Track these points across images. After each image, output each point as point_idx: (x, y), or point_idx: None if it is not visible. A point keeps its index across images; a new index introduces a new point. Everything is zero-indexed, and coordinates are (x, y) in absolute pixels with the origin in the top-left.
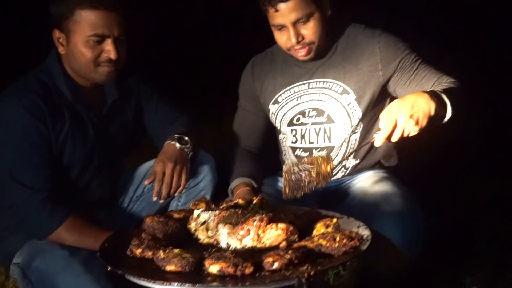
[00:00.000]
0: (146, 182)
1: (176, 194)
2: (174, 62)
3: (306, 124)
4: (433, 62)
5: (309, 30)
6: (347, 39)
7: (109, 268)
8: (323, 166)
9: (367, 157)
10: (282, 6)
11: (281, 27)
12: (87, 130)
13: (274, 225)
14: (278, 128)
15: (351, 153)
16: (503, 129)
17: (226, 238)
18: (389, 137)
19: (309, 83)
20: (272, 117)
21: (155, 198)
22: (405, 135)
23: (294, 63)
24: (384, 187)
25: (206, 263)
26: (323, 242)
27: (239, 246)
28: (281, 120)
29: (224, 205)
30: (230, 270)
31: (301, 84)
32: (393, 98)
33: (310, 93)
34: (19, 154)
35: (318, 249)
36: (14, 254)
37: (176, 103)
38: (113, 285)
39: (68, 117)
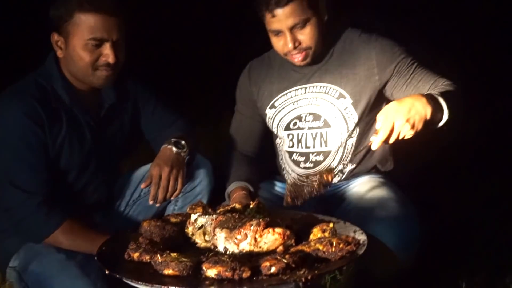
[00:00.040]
0: (142, 186)
1: (172, 198)
2: (171, 65)
3: (302, 128)
4: (431, 64)
5: (306, 36)
6: (344, 44)
7: (107, 272)
8: (324, 176)
9: (363, 162)
10: (279, 11)
11: (278, 33)
12: (84, 134)
13: (271, 230)
14: (275, 132)
15: (351, 159)
16: (501, 130)
17: (223, 242)
18: (385, 140)
19: (305, 87)
20: (268, 122)
21: (151, 202)
22: (401, 137)
23: (291, 67)
24: (380, 192)
25: (204, 267)
26: (320, 247)
27: (236, 250)
28: (277, 124)
29: (221, 209)
30: (228, 274)
31: (297, 89)
32: (390, 101)
33: (307, 98)
34: (16, 157)
35: (315, 254)
36: (10, 257)
37: (174, 106)
38: None
39: (66, 121)
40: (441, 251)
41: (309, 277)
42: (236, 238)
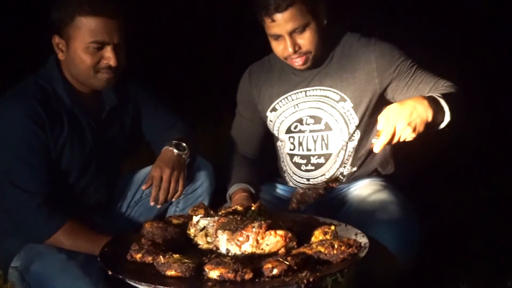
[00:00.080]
0: (143, 187)
1: (173, 199)
2: (171, 67)
3: (303, 131)
4: (431, 65)
5: (306, 40)
6: (343, 48)
7: (110, 273)
8: (329, 184)
9: (364, 165)
10: (278, 16)
11: (278, 37)
12: (85, 135)
13: (273, 232)
14: (276, 135)
15: (353, 162)
16: (501, 131)
17: (226, 244)
18: (387, 143)
19: (306, 91)
20: (269, 125)
21: (152, 203)
22: (401, 140)
23: (291, 71)
24: (381, 196)
25: (206, 268)
26: (322, 249)
27: (238, 252)
28: (278, 127)
29: (223, 211)
30: (230, 275)
31: (298, 92)
32: (391, 103)
33: (308, 101)
34: (17, 158)
35: (316, 256)
36: (12, 257)
37: (174, 108)
38: None
39: (67, 122)
40: (442, 253)
41: (310, 279)
42: (238, 240)
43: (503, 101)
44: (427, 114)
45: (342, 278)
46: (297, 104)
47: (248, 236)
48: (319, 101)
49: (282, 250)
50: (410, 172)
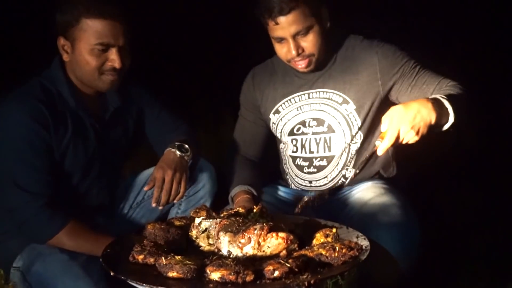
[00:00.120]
0: (145, 188)
1: (175, 201)
2: (173, 69)
3: (306, 133)
4: (434, 66)
5: (309, 43)
6: (346, 50)
7: (112, 274)
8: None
9: (366, 167)
10: (282, 19)
11: (281, 40)
12: (89, 137)
13: (274, 234)
14: (279, 137)
15: (356, 164)
16: (503, 135)
17: (227, 246)
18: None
19: (309, 93)
20: (272, 127)
21: (154, 205)
22: (404, 142)
23: (294, 73)
24: (383, 199)
25: (208, 270)
26: (323, 252)
27: (240, 254)
28: (281, 129)
29: (225, 213)
30: (232, 277)
31: (301, 95)
32: (395, 104)
33: (311, 103)
34: (21, 158)
35: (318, 258)
36: (14, 257)
37: (175, 110)
38: None
39: (71, 124)
40: (443, 257)
41: (312, 282)
42: (239, 242)
43: (504, 104)
44: (431, 117)
45: (343, 280)
46: (300, 107)
47: (250, 238)
48: (322, 103)
49: (284, 252)
50: (412, 174)
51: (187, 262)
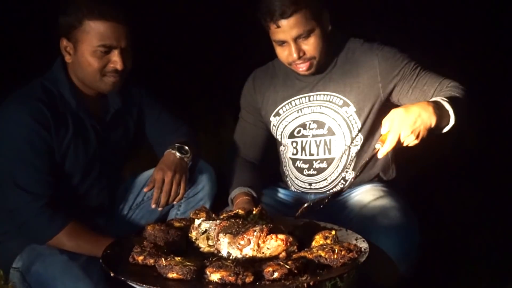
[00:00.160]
0: (145, 189)
1: (175, 202)
2: (173, 70)
3: (306, 136)
4: (434, 66)
5: (310, 46)
6: (347, 54)
7: (112, 274)
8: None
9: (366, 170)
10: (283, 22)
11: (283, 43)
12: (89, 138)
13: (274, 236)
14: (279, 140)
15: (355, 167)
16: (502, 136)
17: (227, 247)
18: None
19: (309, 96)
20: (273, 129)
21: (153, 206)
22: (404, 145)
23: (295, 76)
24: (383, 201)
25: (208, 271)
26: (322, 253)
27: (239, 256)
28: (282, 132)
29: (224, 215)
30: (231, 278)
31: (301, 97)
32: (395, 106)
33: (311, 106)
34: (21, 159)
35: (317, 260)
36: (14, 258)
37: (175, 112)
38: None
39: (72, 125)
40: (443, 258)
41: (311, 283)
42: (239, 244)
43: (504, 104)
44: (431, 121)
45: (342, 282)
46: (300, 109)
47: (249, 240)
48: (322, 106)
49: (283, 254)
50: (411, 177)
51: (187, 263)
